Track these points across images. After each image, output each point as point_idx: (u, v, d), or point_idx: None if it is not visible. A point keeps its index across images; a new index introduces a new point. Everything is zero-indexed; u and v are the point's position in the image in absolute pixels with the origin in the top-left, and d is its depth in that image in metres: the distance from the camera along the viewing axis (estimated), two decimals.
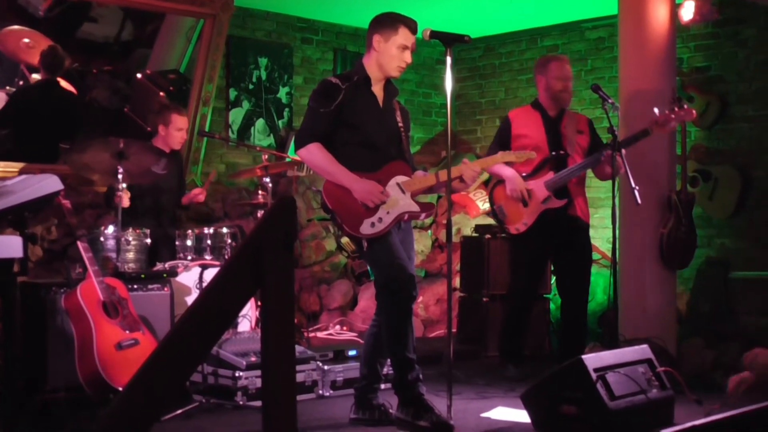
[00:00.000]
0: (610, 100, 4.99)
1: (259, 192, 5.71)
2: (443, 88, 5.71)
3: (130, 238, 4.80)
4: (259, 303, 5.19)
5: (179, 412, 4.19)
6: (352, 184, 3.95)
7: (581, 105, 7.76)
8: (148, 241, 4.91)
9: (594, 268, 6.75)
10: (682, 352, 5.48)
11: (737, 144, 6.94)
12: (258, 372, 4.50)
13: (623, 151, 4.93)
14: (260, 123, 7.67)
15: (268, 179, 5.59)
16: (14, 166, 6.00)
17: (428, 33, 3.91)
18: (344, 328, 6.95)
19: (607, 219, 7.33)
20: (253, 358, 4.57)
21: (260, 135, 7.66)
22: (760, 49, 6.86)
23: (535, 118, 5.37)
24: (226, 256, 5.28)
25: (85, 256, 4.33)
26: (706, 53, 7.15)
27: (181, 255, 5.28)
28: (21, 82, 6.40)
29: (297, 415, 2.15)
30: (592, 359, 3.81)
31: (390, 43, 4.02)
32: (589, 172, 5.36)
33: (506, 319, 5.53)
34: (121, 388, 4.05)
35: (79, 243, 4.37)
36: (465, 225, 7.55)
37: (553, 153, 5.23)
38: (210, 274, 4.99)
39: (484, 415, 4.35)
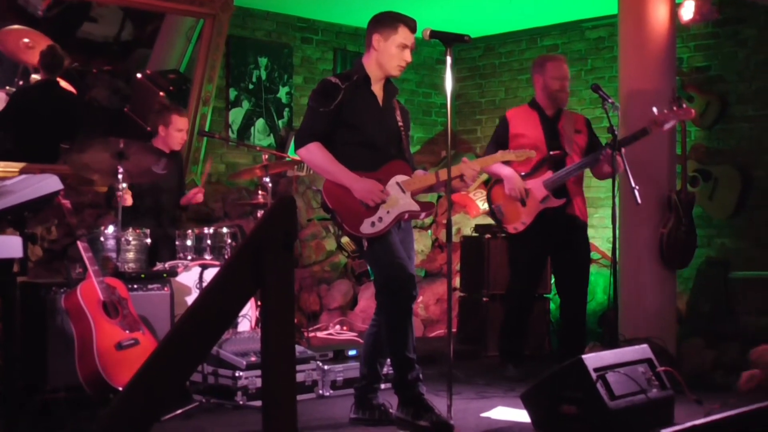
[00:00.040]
0: (610, 100, 4.99)
1: (259, 192, 5.71)
2: (443, 87, 5.70)
3: (130, 238, 4.80)
4: (259, 303, 5.19)
5: (179, 412, 4.19)
6: (352, 183, 3.95)
7: (581, 105, 7.76)
8: (148, 241, 4.90)
9: (594, 268, 6.76)
10: (682, 352, 5.48)
11: (737, 144, 6.94)
12: (258, 372, 4.49)
13: (623, 150, 4.94)
14: (260, 123, 7.67)
15: (268, 179, 5.59)
16: (14, 166, 6.00)
17: (428, 33, 3.91)
18: (344, 327, 6.95)
19: (607, 219, 7.33)
20: (253, 358, 4.57)
21: (260, 135, 7.66)
22: (760, 49, 6.86)
23: (532, 117, 5.37)
24: (226, 256, 5.28)
25: (85, 256, 4.33)
26: (706, 53, 7.16)
27: (181, 255, 5.28)
28: (21, 82, 6.40)
29: (297, 415, 2.15)
30: (592, 359, 3.81)
31: (390, 42, 4.02)
32: (587, 172, 5.36)
33: (506, 319, 5.53)
34: (121, 388, 4.05)
35: (79, 243, 4.37)
36: (465, 225, 7.56)
37: (551, 153, 5.23)
38: (210, 274, 4.99)
39: (484, 415, 4.35)
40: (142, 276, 4.74)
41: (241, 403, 4.47)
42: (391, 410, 4.09)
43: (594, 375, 3.71)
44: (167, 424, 4.04)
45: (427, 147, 8.76)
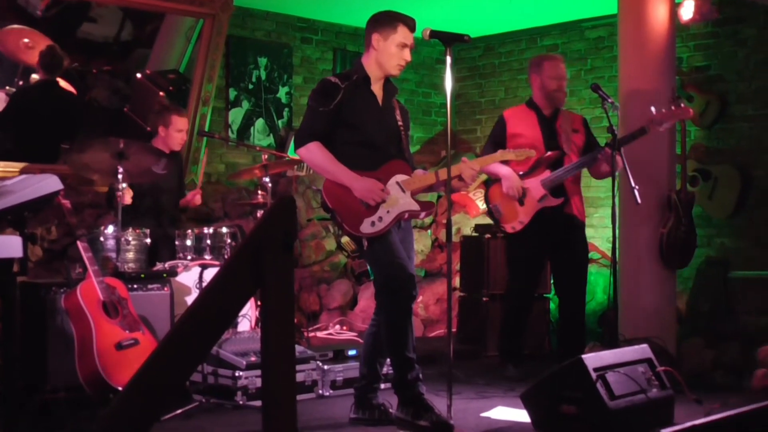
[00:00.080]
0: (609, 100, 4.99)
1: (259, 192, 5.71)
2: (443, 87, 5.70)
3: (130, 238, 4.80)
4: (259, 303, 5.19)
5: (179, 412, 4.19)
6: (352, 182, 3.95)
7: (581, 104, 7.76)
8: (148, 241, 4.90)
9: (594, 268, 6.77)
10: (682, 352, 5.48)
11: (737, 143, 6.94)
12: (258, 372, 4.49)
13: (622, 149, 4.94)
14: (260, 123, 7.67)
15: (267, 179, 5.59)
16: (14, 166, 6.00)
17: (428, 32, 3.91)
18: (344, 327, 6.95)
19: (607, 218, 7.33)
20: (253, 358, 4.57)
21: (260, 135, 7.66)
22: (759, 49, 6.86)
23: (530, 117, 5.37)
24: (226, 256, 5.28)
25: (85, 256, 4.33)
26: (706, 52, 7.15)
27: (181, 255, 5.28)
28: (21, 82, 6.39)
29: (297, 415, 2.16)
30: (592, 359, 3.81)
31: (389, 41, 4.02)
32: (585, 171, 5.36)
33: (505, 319, 5.53)
34: (121, 388, 4.05)
35: (79, 243, 4.37)
36: (465, 224, 7.56)
37: (549, 152, 5.23)
38: (210, 274, 4.99)
39: (484, 414, 4.35)
40: (142, 276, 4.74)
41: (241, 403, 4.47)
42: (391, 410, 4.09)
43: (594, 375, 3.71)
44: (167, 424, 4.04)
45: (427, 147, 8.76)
